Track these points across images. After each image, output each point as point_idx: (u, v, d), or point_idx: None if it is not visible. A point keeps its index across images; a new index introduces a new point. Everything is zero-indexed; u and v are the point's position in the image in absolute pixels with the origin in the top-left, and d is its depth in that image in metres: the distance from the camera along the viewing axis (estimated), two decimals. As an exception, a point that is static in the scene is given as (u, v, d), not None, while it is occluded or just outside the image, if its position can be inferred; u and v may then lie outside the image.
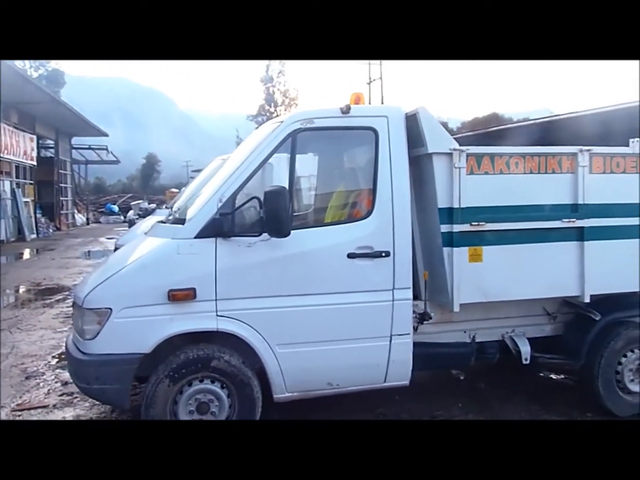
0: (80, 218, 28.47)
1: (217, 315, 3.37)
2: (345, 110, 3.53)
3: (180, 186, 34.46)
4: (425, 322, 3.79)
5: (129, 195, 42.67)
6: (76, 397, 4.51)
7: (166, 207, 7.66)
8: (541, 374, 5.09)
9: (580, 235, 3.87)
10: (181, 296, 3.30)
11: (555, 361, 4.23)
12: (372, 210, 3.54)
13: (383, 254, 3.52)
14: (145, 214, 25.11)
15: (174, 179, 60.32)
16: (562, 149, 3.89)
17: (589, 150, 3.84)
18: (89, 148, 31.22)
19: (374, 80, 36.67)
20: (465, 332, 4.10)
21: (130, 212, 29.89)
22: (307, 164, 3.65)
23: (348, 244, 3.49)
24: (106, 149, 31.40)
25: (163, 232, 3.57)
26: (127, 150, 75.15)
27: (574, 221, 3.84)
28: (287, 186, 3.32)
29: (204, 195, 3.70)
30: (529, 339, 4.13)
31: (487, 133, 11.96)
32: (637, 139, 3.98)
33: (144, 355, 3.31)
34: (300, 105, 45.63)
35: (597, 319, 3.98)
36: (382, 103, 36.46)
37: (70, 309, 7.82)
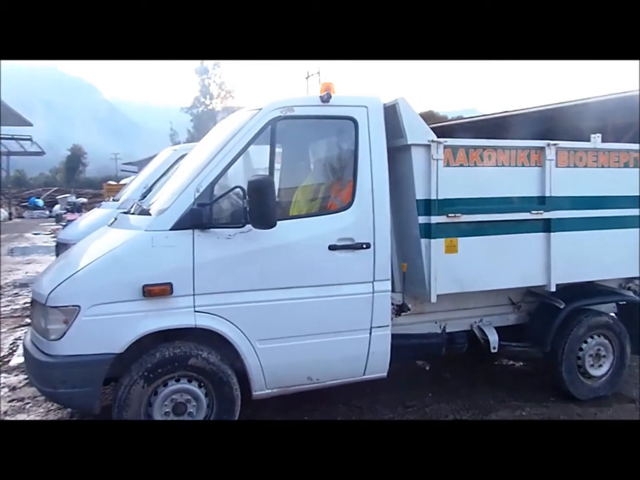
0: (2, 212, 26.61)
1: (195, 311, 3.21)
2: (326, 99, 3.45)
3: (111, 179, 33.03)
4: (403, 313, 3.79)
5: (54, 188, 40.33)
6: (28, 403, 4.17)
7: (113, 200, 7.25)
8: (497, 362, 5.27)
9: (547, 226, 4.00)
10: (157, 291, 3.10)
11: (521, 349, 4.37)
12: (352, 201, 3.48)
13: (364, 246, 3.48)
14: (73, 208, 23.84)
15: (101, 171, 57.69)
16: (531, 142, 4.01)
17: (555, 144, 3.97)
18: (12, 138, 29.17)
19: (312, 75, 36.70)
20: (436, 322, 4.15)
21: (57, 207, 28.27)
22: (289, 153, 3.54)
23: (329, 236, 3.42)
24: (30, 140, 29.46)
25: (133, 223, 3.35)
26: (49, 142, 71.18)
27: (541, 213, 3.97)
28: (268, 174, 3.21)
29: (176, 185, 3.51)
30: (495, 328, 4.24)
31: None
32: (598, 134, 4.17)
33: (115, 355, 3.09)
34: (237, 98, 44.93)
35: (562, 307, 4.13)
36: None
37: (6, 309, 7.29)
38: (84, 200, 27.03)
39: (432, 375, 4.91)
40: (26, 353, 3.35)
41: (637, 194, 4.29)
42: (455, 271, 3.78)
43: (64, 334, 3.04)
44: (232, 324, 3.27)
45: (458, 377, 4.87)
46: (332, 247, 3.41)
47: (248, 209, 3.03)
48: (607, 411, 4.11)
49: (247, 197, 3.02)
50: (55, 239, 6.72)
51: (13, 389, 4.43)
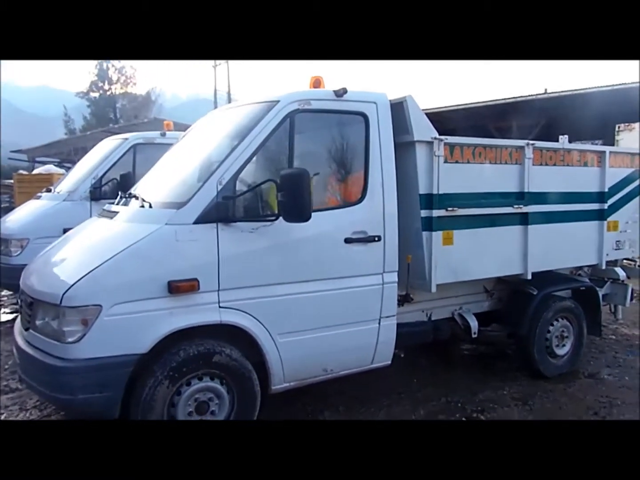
0: None
1: (220, 307, 3.12)
2: (340, 94, 3.48)
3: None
4: (406, 303, 3.94)
5: None
6: None
7: (47, 190, 6.69)
8: (463, 347, 5.63)
9: (525, 219, 4.35)
10: (186, 287, 2.98)
11: (497, 333, 4.72)
12: (364, 195, 3.56)
13: (375, 239, 3.57)
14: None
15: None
16: (513, 142, 4.32)
17: (533, 144, 4.32)
18: None
19: (220, 64, 35.88)
20: (422, 311, 4.35)
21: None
22: (303, 147, 3.51)
23: (345, 229, 3.47)
24: None
25: (149, 217, 3.17)
26: None
27: (521, 207, 4.30)
28: (287, 168, 3.20)
29: (186, 177, 3.39)
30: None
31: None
32: (566, 135, 4.59)
33: (140, 356, 2.93)
34: (139, 83, 42.82)
35: (535, 293, 4.52)
36: (229, 87, 36.00)
37: None
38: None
39: (408, 362, 5.13)
40: (27, 358, 3.06)
41: (595, 191, 4.79)
42: (451, 262, 4.00)
43: (84, 335, 2.83)
44: (255, 318, 3.22)
45: (434, 363, 5.13)
46: (347, 240, 3.47)
47: (283, 201, 2.99)
48: (574, 385, 4.57)
49: (281, 190, 2.98)
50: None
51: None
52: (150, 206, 3.27)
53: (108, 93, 40.83)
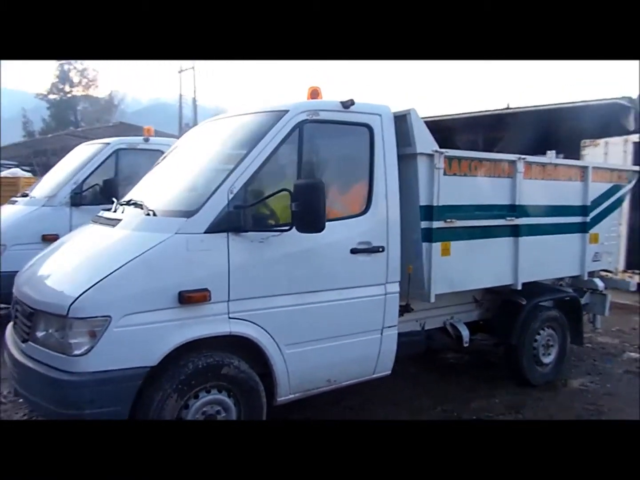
0: None
1: (230, 318, 3.08)
2: (347, 105, 3.51)
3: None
4: (406, 313, 3.98)
5: None
6: None
7: (23, 195, 6.46)
8: (449, 356, 5.71)
9: (517, 231, 4.47)
10: (198, 298, 2.93)
11: (487, 342, 4.81)
12: (369, 206, 3.58)
13: (380, 249, 3.60)
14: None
15: None
16: (505, 156, 4.44)
17: (524, 158, 4.45)
18: None
19: (186, 70, 35.53)
20: (417, 321, 4.40)
21: None
22: (309, 157, 3.51)
23: (351, 240, 3.49)
24: None
25: (157, 225, 3.09)
26: None
27: (513, 220, 4.42)
28: (296, 177, 3.20)
29: (187, 185, 3.37)
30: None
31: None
32: (554, 150, 4.75)
33: (150, 368, 2.86)
34: (101, 86, 41.88)
35: (524, 303, 4.64)
36: (194, 93, 35.69)
37: None
38: None
39: (398, 371, 5.14)
40: (27, 372, 2.93)
41: (579, 204, 4.97)
42: (448, 272, 4.06)
43: (92, 348, 2.74)
44: (263, 329, 3.19)
45: (422, 372, 5.18)
46: (353, 251, 3.48)
47: (297, 212, 2.98)
48: (560, 393, 4.72)
49: (295, 200, 2.97)
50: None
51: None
52: (155, 214, 3.20)
53: (69, 95, 39.73)
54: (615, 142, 9.71)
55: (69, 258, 3.34)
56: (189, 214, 3.05)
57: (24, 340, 3.06)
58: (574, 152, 10.86)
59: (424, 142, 3.83)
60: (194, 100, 35.33)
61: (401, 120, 3.77)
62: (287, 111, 3.35)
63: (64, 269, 3.19)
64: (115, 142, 6.36)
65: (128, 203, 3.57)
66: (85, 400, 2.74)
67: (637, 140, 9.36)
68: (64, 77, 39.55)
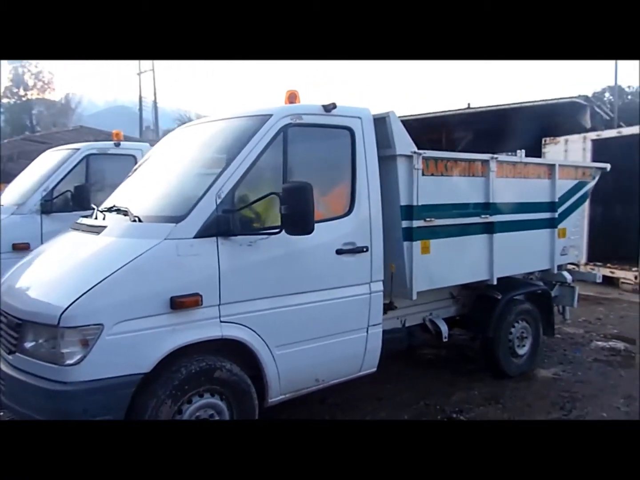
0: None
1: (221, 322, 3.09)
2: (329, 109, 3.57)
3: None
4: (389, 311, 4.07)
5: None
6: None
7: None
8: (424, 352, 5.84)
9: (491, 228, 4.62)
10: (190, 303, 2.93)
11: (465, 336, 4.96)
12: (352, 207, 3.65)
13: (364, 249, 3.67)
14: None
15: None
16: (479, 156, 4.58)
17: (496, 157, 4.61)
18: None
19: (145, 71, 34.90)
20: (397, 318, 4.50)
21: None
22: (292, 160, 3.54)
23: (336, 241, 3.55)
24: None
25: (145, 231, 3.08)
26: None
27: (487, 217, 4.57)
28: (281, 181, 3.25)
29: (173, 190, 3.38)
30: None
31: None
32: (523, 150, 4.93)
33: (144, 375, 2.85)
34: (57, 89, 40.76)
35: (499, 297, 4.81)
36: (155, 96, 35.03)
37: None
38: None
39: (384, 367, 5.24)
40: (16, 384, 2.87)
41: (547, 201, 5.18)
42: (428, 270, 4.17)
43: (84, 357, 2.71)
44: (254, 332, 3.22)
45: (401, 368, 5.28)
46: (338, 251, 3.55)
47: (287, 214, 3.02)
48: (535, 383, 4.90)
49: (284, 203, 3.01)
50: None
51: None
52: (140, 220, 3.19)
53: (24, 99, 38.47)
54: (575, 139, 10.10)
55: (53, 267, 3.29)
56: (177, 219, 3.05)
57: (10, 352, 3.00)
58: (534, 150, 11.30)
59: (403, 143, 3.93)
60: (155, 102, 34.72)
61: (381, 123, 3.86)
62: (270, 115, 3.38)
63: (50, 278, 3.14)
64: (85, 147, 6.24)
65: (110, 210, 3.53)
66: (78, 410, 2.71)
67: (596, 137, 9.76)
68: (18, 80, 38.27)
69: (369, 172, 3.73)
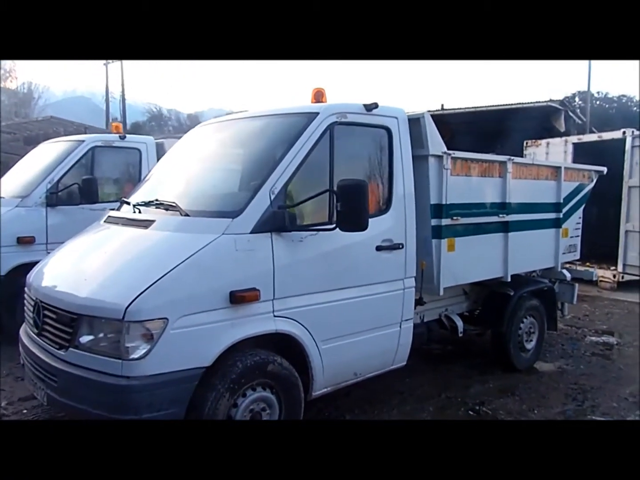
0: None
1: (275, 316, 3.14)
2: (370, 108, 3.65)
3: None
4: (418, 306, 4.18)
5: None
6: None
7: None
8: (432, 347, 5.99)
9: (507, 227, 4.80)
10: (249, 297, 2.97)
11: (478, 331, 5.13)
12: (390, 204, 3.75)
13: (400, 246, 3.77)
14: None
15: None
16: (498, 157, 4.75)
17: (512, 159, 4.79)
18: None
19: (112, 62, 33.99)
20: (417, 314, 4.62)
21: None
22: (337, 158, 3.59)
23: (376, 237, 3.63)
24: None
25: (201, 226, 3.08)
26: None
27: (504, 216, 4.75)
28: (327, 178, 3.31)
29: (228, 185, 3.37)
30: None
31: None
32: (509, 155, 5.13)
33: (205, 369, 2.86)
34: (20, 79, 39.30)
35: (512, 294, 5.00)
36: (122, 89, 34.12)
37: None
38: None
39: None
40: (74, 380, 2.83)
41: (554, 201, 5.40)
42: (452, 266, 4.31)
43: (150, 351, 2.71)
44: (303, 326, 3.28)
45: (414, 362, 5.40)
46: (378, 248, 3.64)
47: (342, 211, 3.07)
48: (544, 376, 5.13)
49: (339, 200, 3.07)
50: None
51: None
52: (187, 215, 3.19)
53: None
54: (557, 142, 10.49)
55: (101, 260, 3.23)
56: (232, 214, 3.07)
57: (62, 347, 2.96)
58: (515, 151, 11.66)
59: (435, 144, 4.04)
60: (122, 95, 33.90)
61: (415, 123, 3.96)
62: (317, 113, 3.43)
63: (103, 271, 3.08)
64: (91, 139, 6.11)
65: (148, 204, 3.50)
66: (143, 405, 2.71)
67: (577, 141, 10.16)
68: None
69: (404, 171, 3.83)
